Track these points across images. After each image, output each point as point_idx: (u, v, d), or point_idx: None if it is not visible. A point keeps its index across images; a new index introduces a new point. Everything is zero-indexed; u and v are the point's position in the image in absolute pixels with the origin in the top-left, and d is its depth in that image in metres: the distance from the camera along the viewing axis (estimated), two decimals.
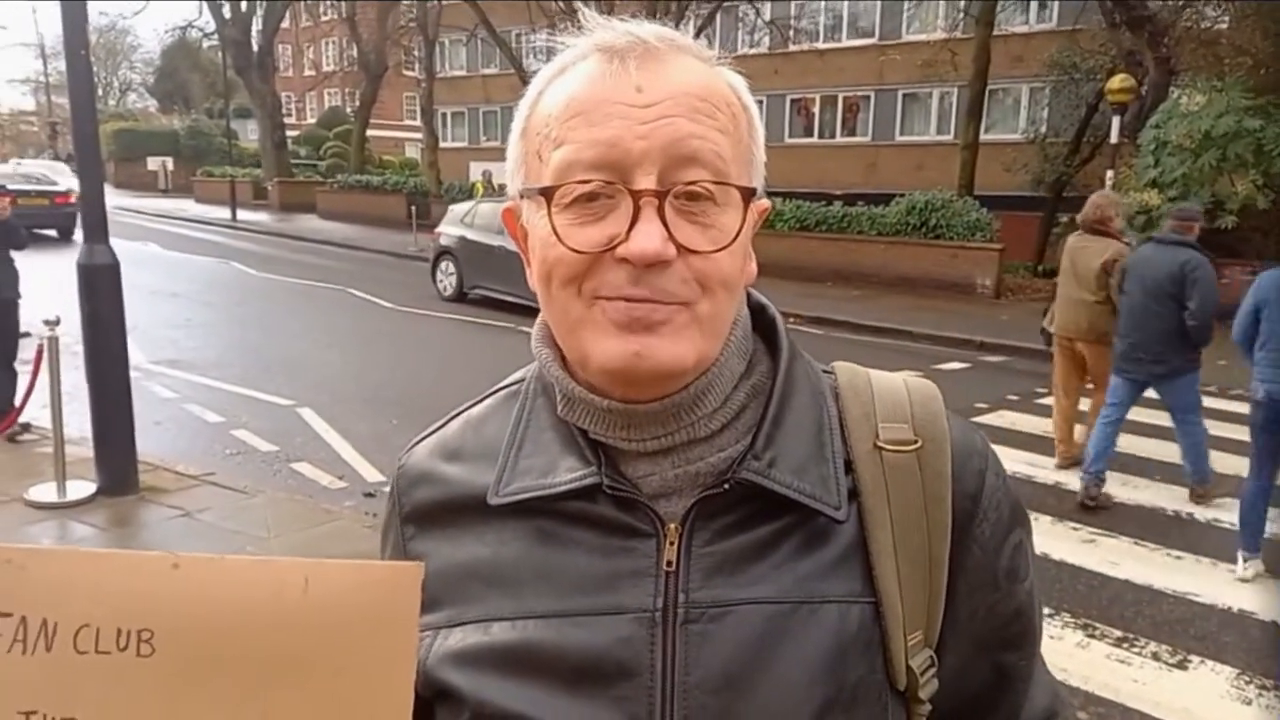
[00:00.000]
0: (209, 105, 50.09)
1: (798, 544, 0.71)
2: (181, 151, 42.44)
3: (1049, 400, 8.38)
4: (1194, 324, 5.26)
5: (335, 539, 4.70)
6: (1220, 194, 12.06)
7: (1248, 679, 3.64)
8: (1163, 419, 7.70)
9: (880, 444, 0.74)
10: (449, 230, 13.64)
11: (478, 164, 24.83)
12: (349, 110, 40.97)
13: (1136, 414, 7.84)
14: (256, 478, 5.73)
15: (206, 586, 0.60)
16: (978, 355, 10.64)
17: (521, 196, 0.75)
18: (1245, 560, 4.57)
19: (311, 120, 48.01)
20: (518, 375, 0.85)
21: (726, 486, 0.70)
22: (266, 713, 0.61)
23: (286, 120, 36.42)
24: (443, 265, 13.76)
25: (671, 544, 0.70)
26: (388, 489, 0.88)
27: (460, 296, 13.31)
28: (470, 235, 13.15)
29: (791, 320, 11.34)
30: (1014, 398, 8.41)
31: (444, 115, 36.12)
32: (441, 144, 32.89)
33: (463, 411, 0.86)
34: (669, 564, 0.69)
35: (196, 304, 12.66)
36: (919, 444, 0.74)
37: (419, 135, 32.66)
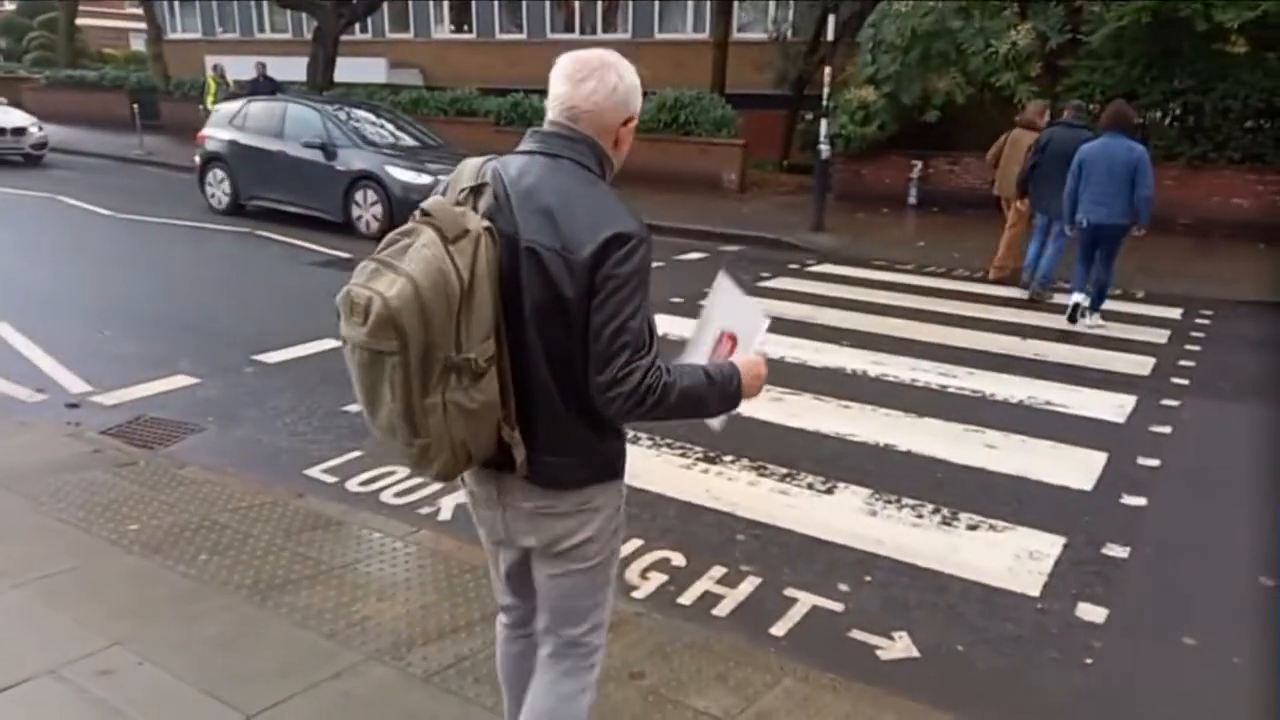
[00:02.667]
0: None
1: None
2: None
3: (773, 283, 9.16)
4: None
5: (29, 450, 4.45)
6: (928, 90, 13.27)
7: (878, 496, 4.35)
8: (864, 295, 8.65)
9: None
10: (217, 134, 12.32)
11: (213, 58, 22.67)
12: None
13: (828, 290, 8.75)
14: None
15: None
16: (717, 246, 11.30)
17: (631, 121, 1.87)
18: (1088, 315, 7.60)
19: (10, 7, 41.60)
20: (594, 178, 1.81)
21: None
22: None
23: None
24: (212, 173, 12.37)
25: None
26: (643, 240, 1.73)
27: (236, 208, 12.16)
28: (243, 139, 11.93)
29: None
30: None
31: (171, 4, 32.48)
32: (170, 35, 29.73)
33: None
34: None
35: None
36: None
37: (144, 25, 29.22)
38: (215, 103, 18.01)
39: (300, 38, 27.38)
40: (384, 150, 11.32)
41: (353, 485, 4.36)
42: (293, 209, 11.58)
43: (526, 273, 1.68)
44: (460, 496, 4.24)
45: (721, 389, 1.80)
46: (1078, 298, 7.56)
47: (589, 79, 1.78)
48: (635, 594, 3.49)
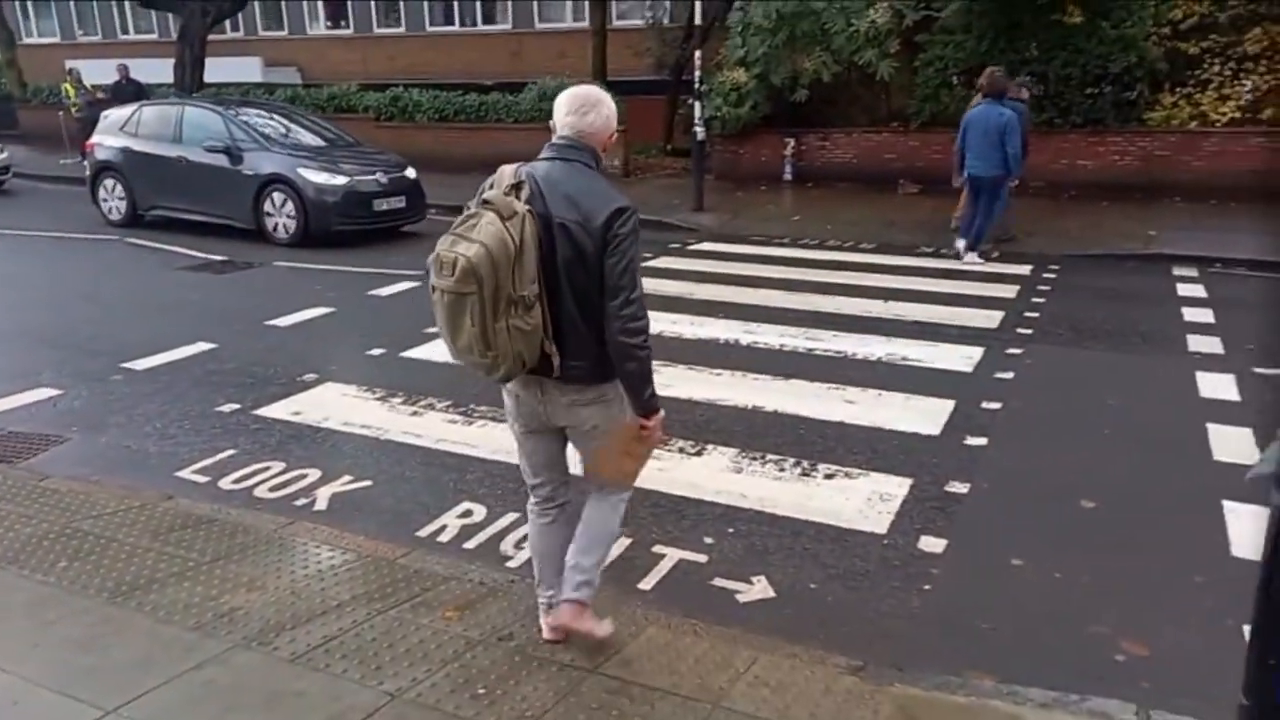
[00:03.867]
0: None
1: None
2: None
3: (655, 263, 9.34)
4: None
5: None
6: (796, 70, 13.65)
7: (744, 454, 4.57)
8: (741, 269, 8.90)
9: None
10: (107, 141, 11.67)
11: (73, 63, 21.58)
12: None
13: (707, 266, 8.98)
14: None
15: None
16: None
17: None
18: (966, 253, 8.97)
19: None
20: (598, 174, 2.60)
21: None
22: None
23: None
24: (105, 184, 11.73)
25: None
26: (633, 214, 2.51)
27: (134, 219, 11.56)
28: (137, 146, 11.35)
29: (434, 210, 11.40)
30: None
31: (25, 6, 30.71)
32: (25, 39, 28.17)
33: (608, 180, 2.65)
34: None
35: None
36: None
37: None
38: (79, 109, 17.22)
39: (166, 38, 26.26)
40: (294, 152, 10.85)
41: (225, 484, 4.35)
42: (199, 218, 11.06)
43: (559, 239, 2.48)
44: (336, 487, 4.30)
45: (652, 392, 2.62)
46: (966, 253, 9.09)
47: (589, 112, 2.60)
48: (509, 564, 3.60)
